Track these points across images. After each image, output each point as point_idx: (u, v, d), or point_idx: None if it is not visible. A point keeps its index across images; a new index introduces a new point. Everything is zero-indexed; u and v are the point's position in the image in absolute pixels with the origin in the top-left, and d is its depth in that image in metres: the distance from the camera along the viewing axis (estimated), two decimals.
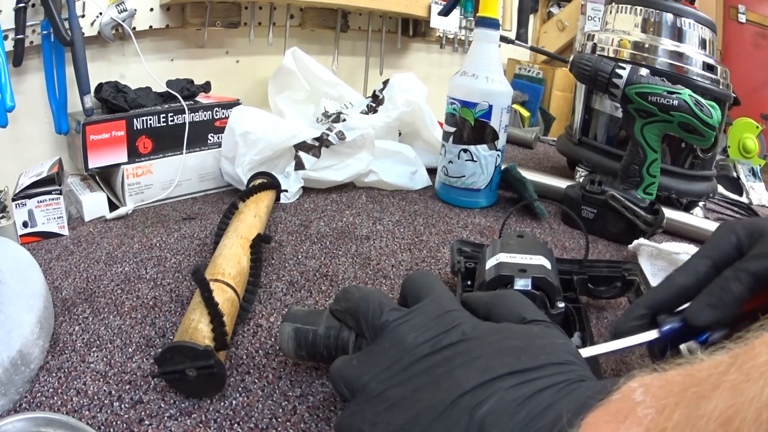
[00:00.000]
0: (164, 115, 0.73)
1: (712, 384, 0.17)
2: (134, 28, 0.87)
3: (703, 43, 0.79)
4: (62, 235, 0.64)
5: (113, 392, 0.39)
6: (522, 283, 0.43)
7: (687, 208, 0.84)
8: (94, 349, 0.44)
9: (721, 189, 1.03)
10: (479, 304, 0.36)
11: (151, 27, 0.92)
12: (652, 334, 0.37)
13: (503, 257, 0.46)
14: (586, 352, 0.37)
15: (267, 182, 0.68)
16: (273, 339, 0.46)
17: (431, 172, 0.88)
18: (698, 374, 0.19)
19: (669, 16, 0.79)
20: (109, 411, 0.37)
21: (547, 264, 0.45)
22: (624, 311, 0.39)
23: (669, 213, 0.73)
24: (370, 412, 0.29)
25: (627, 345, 0.37)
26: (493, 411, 0.25)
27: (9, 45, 0.73)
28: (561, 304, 0.44)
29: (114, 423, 0.36)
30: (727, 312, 0.34)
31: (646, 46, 0.79)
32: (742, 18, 2.01)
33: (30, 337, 0.40)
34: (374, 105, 0.90)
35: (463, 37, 1.48)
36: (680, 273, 0.38)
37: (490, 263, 0.46)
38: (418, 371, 0.29)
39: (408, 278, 0.38)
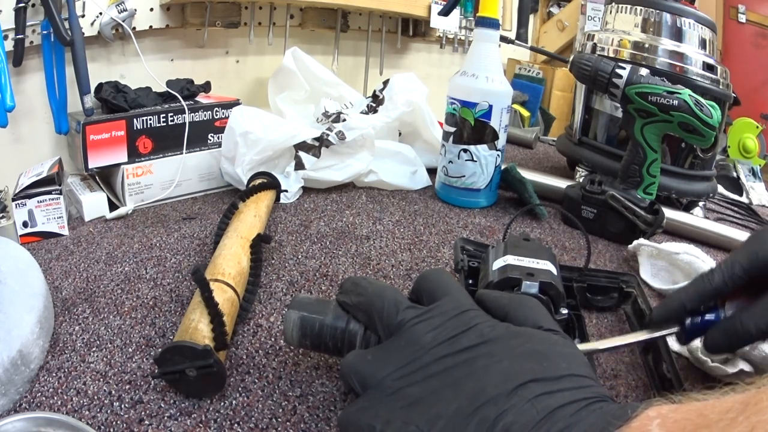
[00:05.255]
0: (164, 115, 0.73)
1: (721, 429, 0.19)
2: (134, 28, 0.87)
3: (703, 43, 0.79)
4: (62, 235, 0.64)
5: (113, 392, 0.39)
6: (529, 287, 0.43)
7: (687, 208, 0.84)
8: (94, 349, 0.44)
9: (721, 189, 1.03)
10: (496, 304, 0.35)
11: (151, 27, 0.92)
12: (674, 328, 0.40)
13: (510, 259, 0.46)
14: (616, 341, 0.41)
15: (267, 182, 0.68)
16: (273, 339, 0.46)
17: (431, 172, 0.88)
18: (710, 416, 0.20)
19: (669, 16, 0.79)
20: (109, 411, 0.37)
21: (553, 269, 0.46)
22: (663, 303, 0.41)
23: (669, 213, 0.73)
24: (384, 409, 0.29)
25: (653, 336, 0.41)
26: (516, 422, 0.25)
27: (9, 45, 0.73)
28: (564, 311, 0.44)
29: (114, 423, 0.36)
30: None
31: (646, 46, 0.79)
32: (742, 18, 2.01)
33: (30, 337, 0.40)
34: (374, 105, 0.90)
35: (463, 37, 1.48)
36: (718, 274, 0.39)
37: (497, 264, 0.46)
38: (437, 371, 0.29)
39: (423, 276, 0.38)
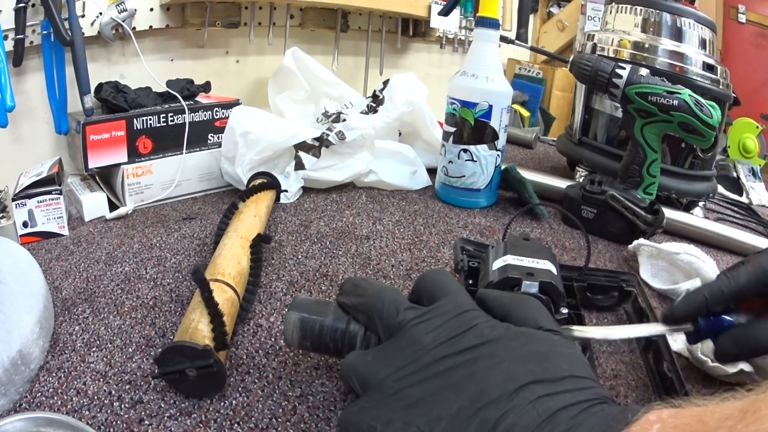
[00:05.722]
0: (164, 115, 0.73)
1: None
2: (134, 28, 0.87)
3: (703, 43, 0.79)
4: (62, 235, 0.64)
5: (113, 392, 0.39)
6: (529, 287, 0.43)
7: (687, 208, 0.84)
8: (94, 349, 0.44)
9: (721, 189, 1.03)
10: (497, 304, 0.35)
11: (151, 27, 0.93)
12: (688, 326, 0.40)
13: (510, 259, 0.46)
14: (624, 332, 0.41)
15: (267, 182, 0.68)
16: (273, 339, 0.46)
17: (431, 172, 0.88)
18: (709, 422, 0.20)
19: (669, 16, 0.79)
20: (109, 411, 0.37)
21: (553, 269, 0.46)
22: (685, 298, 0.40)
23: (669, 213, 0.73)
24: (384, 410, 0.29)
25: (667, 330, 0.40)
26: (518, 424, 0.25)
27: (9, 45, 0.73)
28: (564, 310, 0.44)
29: (114, 423, 0.36)
30: None
31: (646, 46, 0.79)
32: (742, 18, 2.01)
33: (30, 337, 0.40)
34: (374, 105, 0.90)
35: (463, 37, 1.48)
36: (744, 273, 0.38)
37: (497, 264, 0.46)
38: (437, 372, 0.29)
39: (423, 276, 0.38)
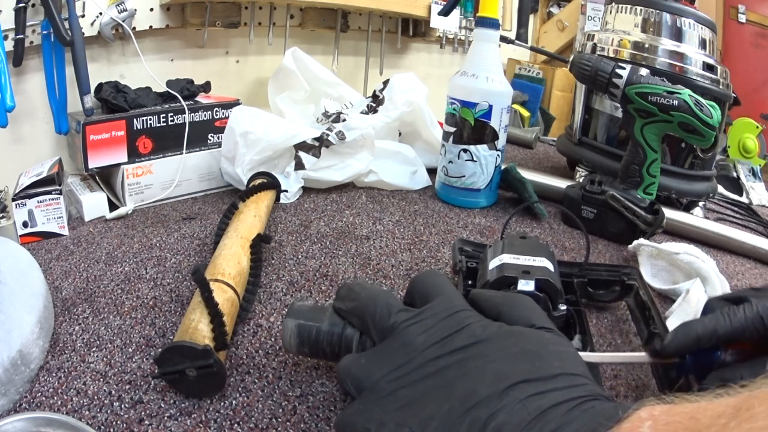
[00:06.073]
0: (164, 115, 0.73)
1: None
2: (134, 28, 0.87)
3: (703, 43, 0.79)
4: (62, 235, 0.64)
5: (113, 392, 0.39)
6: (525, 285, 0.43)
7: (687, 208, 0.84)
8: (94, 349, 0.44)
9: (721, 189, 1.03)
10: (489, 304, 0.35)
11: (151, 27, 0.93)
12: (675, 359, 0.38)
13: (507, 258, 0.46)
14: (598, 357, 0.39)
15: (267, 182, 0.68)
16: (273, 339, 0.46)
17: (431, 172, 0.88)
18: (702, 419, 0.20)
19: (669, 16, 0.79)
20: (109, 411, 0.37)
21: (550, 266, 0.45)
22: (678, 332, 0.38)
23: (669, 213, 0.73)
24: (378, 411, 0.29)
25: (643, 361, 0.38)
26: (508, 423, 0.25)
27: (9, 45, 0.73)
28: (563, 307, 0.44)
29: (114, 423, 0.36)
30: None
31: (646, 46, 0.79)
32: (742, 18, 2.01)
33: (30, 337, 0.40)
34: (374, 105, 0.90)
35: (463, 37, 1.48)
36: (740, 316, 0.36)
37: (494, 264, 0.46)
38: (429, 373, 0.29)
39: (416, 278, 0.38)
